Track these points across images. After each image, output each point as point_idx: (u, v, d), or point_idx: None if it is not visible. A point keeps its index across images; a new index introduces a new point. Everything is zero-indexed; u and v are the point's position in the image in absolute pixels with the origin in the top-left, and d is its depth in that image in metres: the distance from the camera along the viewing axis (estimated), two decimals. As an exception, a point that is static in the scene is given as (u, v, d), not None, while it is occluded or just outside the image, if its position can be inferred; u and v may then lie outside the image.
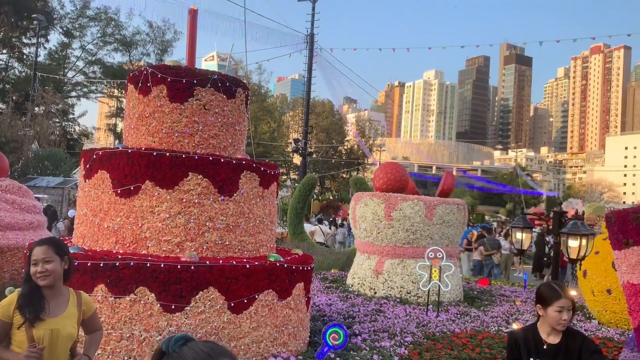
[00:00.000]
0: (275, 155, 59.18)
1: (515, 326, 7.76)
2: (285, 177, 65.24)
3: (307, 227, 16.82)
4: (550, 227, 7.79)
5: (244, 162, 5.68)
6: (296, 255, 6.11)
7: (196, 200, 5.41)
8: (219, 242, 5.48)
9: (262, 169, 5.85)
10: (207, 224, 5.44)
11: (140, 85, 6.02)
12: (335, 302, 8.61)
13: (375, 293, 9.73)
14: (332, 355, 5.48)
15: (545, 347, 3.24)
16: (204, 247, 5.43)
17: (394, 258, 9.83)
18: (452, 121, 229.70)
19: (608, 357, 6.31)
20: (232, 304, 5.05)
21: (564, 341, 3.22)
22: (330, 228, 20.93)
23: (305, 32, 32.84)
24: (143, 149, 5.52)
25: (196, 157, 5.41)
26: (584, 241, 6.52)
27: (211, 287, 4.97)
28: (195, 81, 5.92)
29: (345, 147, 71.09)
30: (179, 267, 4.88)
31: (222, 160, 5.53)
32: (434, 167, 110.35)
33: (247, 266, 5.14)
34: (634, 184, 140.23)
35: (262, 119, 60.66)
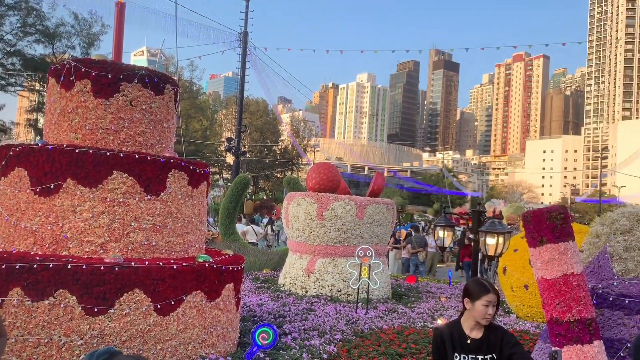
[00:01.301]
0: (207, 154, 58.18)
1: (440, 321, 8.05)
2: (218, 176, 64.26)
3: (240, 228, 16.67)
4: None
5: (172, 161, 5.56)
6: (226, 256, 6.04)
7: (121, 200, 5.23)
8: (145, 242, 5.33)
9: (191, 167, 5.74)
10: (133, 224, 5.27)
11: (62, 79, 5.75)
12: (266, 302, 8.60)
13: (306, 292, 9.79)
14: (262, 355, 5.47)
15: (468, 341, 3.38)
16: (129, 248, 5.26)
17: (326, 257, 9.94)
18: (383, 123, 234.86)
19: (525, 349, 6.69)
20: (159, 306, 4.93)
21: (485, 336, 3.38)
22: (271, 229, 20.84)
23: (238, 30, 32.51)
24: (65, 145, 5.28)
25: (121, 155, 5.24)
26: (500, 239, 6.86)
27: (136, 289, 4.83)
28: (121, 76, 5.72)
29: (280, 147, 70.99)
30: (102, 268, 4.70)
31: (149, 158, 5.39)
32: (366, 168, 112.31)
33: (175, 267, 5.03)
34: (551, 186, 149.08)
35: (194, 117, 59.44)
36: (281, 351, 5.78)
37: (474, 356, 3.33)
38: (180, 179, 5.62)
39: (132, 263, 4.87)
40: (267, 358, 5.47)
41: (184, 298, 5.11)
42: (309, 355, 5.69)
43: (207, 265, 5.34)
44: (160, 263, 5.01)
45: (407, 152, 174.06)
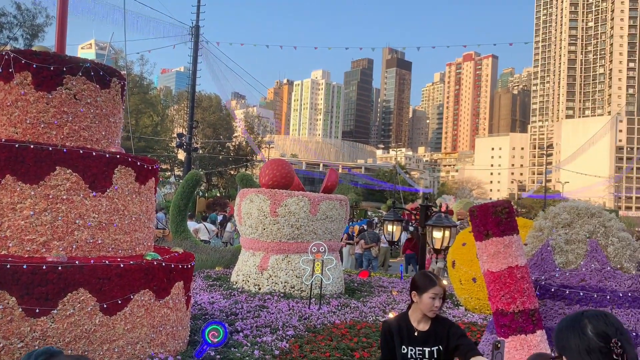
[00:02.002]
0: (158, 150, 56.95)
1: (391, 315, 8.17)
2: (170, 173, 63.02)
3: (191, 225, 16.40)
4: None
5: (118, 156, 5.40)
6: (176, 254, 5.93)
7: (64, 197, 5.05)
8: (91, 240, 5.17)
9: (138, 163, 5.60)
10: (77, 221, 5.10)
11: (0, 71, 5.50)
12: (218, 300, 8.50)
13: (259, 289, 9.74)
14: (213, 353, 5.40)
15: (416, 334, 3.44)
16: (74, 247, 5.09)
17: (279, 254, 9.91)
18: (338, 120, 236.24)
19: (471, 340, 6.88)
20: (105, 306, 4.79)
21: (433, 328, 3.45)
22: (226, 226, 20.61)
23: (190, 24, 31.93)
24: (3, 140, 5.05)
25: (64, 150, 5.05)
26: (447, 232, 7.03)
27: (81, 289, 4.67)
28: (64, 69, 5.51)
29: (234, 144, 70.22)
30: (44, 267, 4.53)
31: (94, 153, 5.22)
32: (321, 165, 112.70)
33: (122, 265, 4.90)
34: (499, 182, 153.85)
35: (144, 112, 58.00)
36: (232, 349, 5.73)
37: (421, 348, 3.39)
38: (127, 175, 5.47)
39: (77, 262, 4.71)
40: (218, 356, 5.41)
41: (132, 297, 4.98)
42: (261, 352, 5.66)
43: (155, 263, 5.23)
44: (107, 261, 4.87)
45: (361, 149, 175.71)
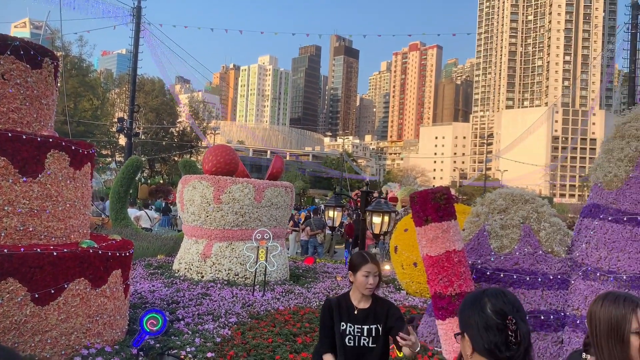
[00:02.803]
0: (98, 135, 54.89)
1: (334, 301, 8.29)
2: (110, 159, 60.98)
3: (132, 212, 15.96)
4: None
5: (50, 140, 5.16)
6: (113, 241, 5.75)
7: (-9, 182, 4.78)
8: (21, 228, 4.93)
9: (73, 147, 5.37)
10: (6, 208, 4.85)
11: None
12: (159, 289, 8.33)
13: (202, 277, 9.61)
14: (152, 342, 5.30)
15: (356, 312, 3.49)
16: (3, 234, 4.84)
17: (223, 241, 9.80)
18: (286, 107, 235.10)
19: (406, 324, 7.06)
20: (37, 295, 4.60)
21: (373, 307, 3.51)
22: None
23: (131, 5, 30.81)
24: None
25: (-9, 133, 4.78)
26: (386, 218, 7.16)
27: (10, 278, 4.46)
28: (-9, 47, 5.20)
29: (178, 129, 68.59)
30: (-32, 257, 4.29)
31: (24, 137, 4.96)
32: (268, 152, 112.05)
33: (55, 253, 4.70)
34: (442, 170, 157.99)
35: (84, 96, 55.64)
36: (173, 337, 5.64)
37: (360, 326, 3.44)
38: (60, 159, 5.24)
39: (6, 250, 4.48)
40: (158, 344, 5.32)
41: (66, 286, 4.80)
42: (202, 340, 5.60)
43: (91, 251, 5.05)
44: (38, 249, 4.67)
45: (309, 136, 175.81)
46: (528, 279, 5.64)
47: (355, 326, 3.45)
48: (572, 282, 5.56)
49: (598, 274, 5.34)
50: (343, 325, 3.45)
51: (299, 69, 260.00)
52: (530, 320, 5.29)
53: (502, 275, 5.70)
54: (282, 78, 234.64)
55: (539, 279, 5.63)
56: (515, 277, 5.62)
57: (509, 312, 1.82)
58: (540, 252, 5.69)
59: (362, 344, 3.44)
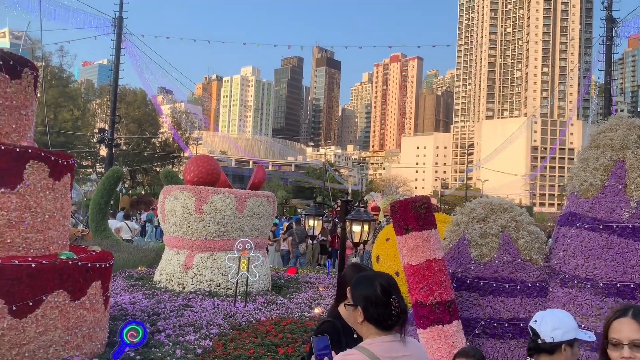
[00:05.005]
0: (79, 146, 54.28)
1: (317, 311, 8.27)
2: (91, 170, 60.29)
3: (113, 224, 15.78)
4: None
5: (30, 150, 5.11)
6: (93, 253, 5.70)
7: (-32, 193, 4.72)
8: (-2, 239, 4.87)
9: (52, 158, 5.32)
10: (-17, 219, 4.78)
11: None
12: (139, 300, 8.24)
13: (184, 288, 9.53)
14: (132, 354, 5.25)
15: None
16: (-21, 246, 4.77)
17: (204, 252, 9.74)
18: (268, 117, 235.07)
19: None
20: (14, 308, 4.53)
21: None
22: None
23: (113, 15, 30.65)
24: None
25: (-32, 144, 4.73)
26: (365, 226, 7.20)
27: (-13, 291, 4.40)
28: (-32, 56, 5.15)
29: (160, 140, 68.11)
30: (-56, 269, 4.22)
31: (3, 147, 4.92)
32: (251, 162, 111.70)
33: (33, 265, 4.65)
34: (423, 180, 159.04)
35: (64, 106, 54.99)
36: (153, 348, 5.59)
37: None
38: (39, 170, 5.19)
39: (-18, 262, 4.42)
40: (138, 357, 5.26)
41: (44, 298, 4.74)
42: (183, 351, 5.56)
43: (70, 262, 5.00)
44: (16, 261, 4.61)
45: (291, 146, 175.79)
46: (507, 287, 5.71)
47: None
48: (551, 289, 5.65)
49: (575, 282, 5.42)
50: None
51: (282, 80, 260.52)
52: (510, 328, 5.35)
53: (482, 284, 5.76)
54: (264, 89, 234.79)
55: (518, 287, 5.69)
56: (494, 285, 5.68)
57: (393, 292, 2.40)
58: (519, 260, 5.76)
59: None
